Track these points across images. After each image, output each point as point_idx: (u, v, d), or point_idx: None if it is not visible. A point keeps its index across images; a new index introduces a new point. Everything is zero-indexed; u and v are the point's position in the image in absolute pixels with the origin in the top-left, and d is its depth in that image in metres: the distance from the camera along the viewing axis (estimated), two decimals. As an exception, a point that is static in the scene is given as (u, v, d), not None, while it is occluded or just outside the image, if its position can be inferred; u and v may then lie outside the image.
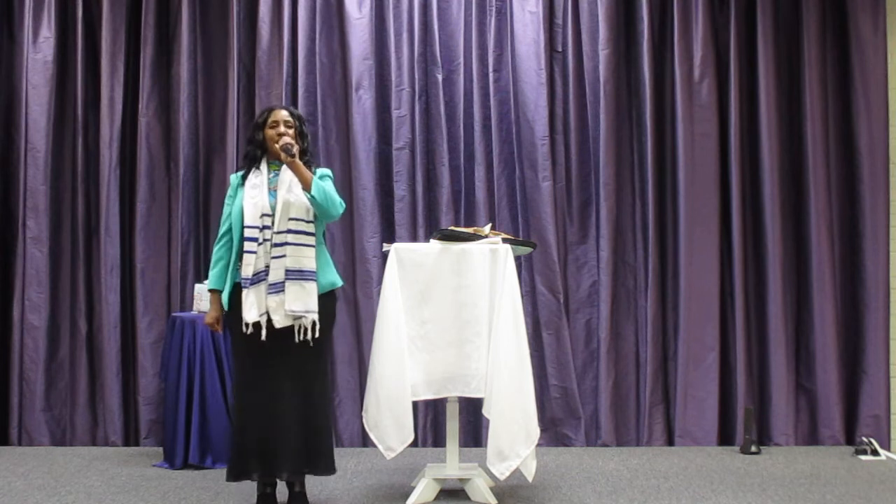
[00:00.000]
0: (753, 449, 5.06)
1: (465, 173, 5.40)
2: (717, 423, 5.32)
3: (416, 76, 5.37)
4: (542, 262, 5.32)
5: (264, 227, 3.68)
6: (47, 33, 5.43)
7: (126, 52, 5.44)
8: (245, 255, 3.66)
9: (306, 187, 3.67)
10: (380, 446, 3.87)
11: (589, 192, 5.43)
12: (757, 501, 4.02)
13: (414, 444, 4.03)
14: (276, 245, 3.67)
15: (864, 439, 5.09)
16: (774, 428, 5.31)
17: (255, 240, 3.66)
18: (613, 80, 5.38)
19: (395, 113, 5.36)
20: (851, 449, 5.14)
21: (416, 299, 3.92)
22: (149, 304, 5.39)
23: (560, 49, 5.46)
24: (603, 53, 5.36)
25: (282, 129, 3.78)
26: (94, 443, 5.37)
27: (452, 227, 4.36)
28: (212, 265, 3.79)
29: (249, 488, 4.02)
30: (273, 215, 3.69)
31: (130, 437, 5.37)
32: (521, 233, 5.33)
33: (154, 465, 4.77)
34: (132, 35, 5.48)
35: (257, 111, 5.34)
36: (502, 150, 5.39)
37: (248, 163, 3.83)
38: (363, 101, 5.37)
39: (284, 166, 3.74)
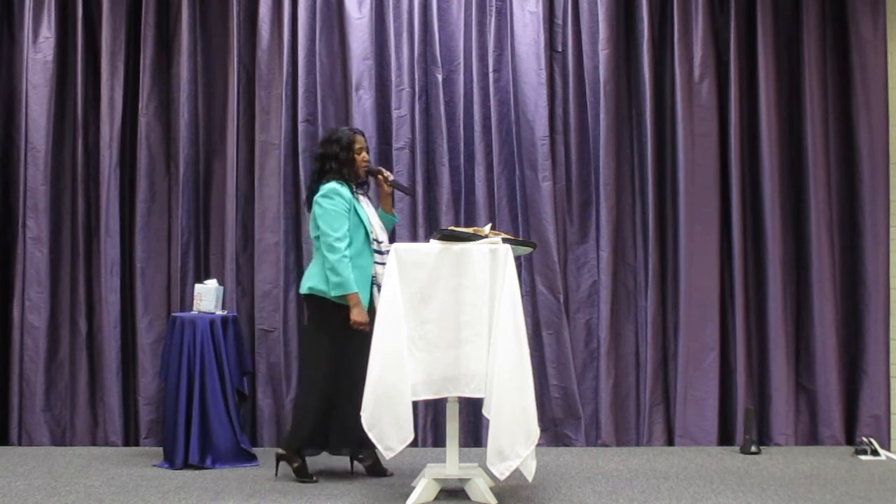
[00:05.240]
0: (753, 449, 5.06)
1: (465, 173, 5.40)
2: (717, 423, 5.32)
3: (416, 76, 5.37)
4: (542, 262, 5.32)
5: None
6: (47, 33, 5.44)
7: (126, 52, 5.44)
8: (379, 267, 4.30)
9: (391, 213, 4.61)
10: (379, 446, 3.86)
11: (589, 192, 5.43)
12: (757, 501, 4.02)
13: (414, 444, 4.03)
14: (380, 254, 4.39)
15: (864, 439, 5.09)
16: (774, 428, 5.31)
17: (382, 252, 4.35)
18: (613, 80, 5.38)
19: (395, 113, 5.36)
20: (851, 449, 5.14)
21: (416, 299, 3.92)
22: (149, 304, 5.39)
23: (560, 49, 5.46)
24: (603, 53, 5.36)
25: (365, 154, 4.48)
26: (94, 443, 5.37)
27: (452, 227, 4.36)
28: (348, 271, 4.21)
29: (250, 488, 4.02)
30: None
31: (130, 437, 5.37)
32: (521, 233, 5.32)
33: (154, 465, 4.77)
34: (132, 35, 5.48)
35: (257, 111, 5.39)
36: (502, 150, 5.39)
37: (340, 179, 4.36)
38: (363, 101, 5.37)
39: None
